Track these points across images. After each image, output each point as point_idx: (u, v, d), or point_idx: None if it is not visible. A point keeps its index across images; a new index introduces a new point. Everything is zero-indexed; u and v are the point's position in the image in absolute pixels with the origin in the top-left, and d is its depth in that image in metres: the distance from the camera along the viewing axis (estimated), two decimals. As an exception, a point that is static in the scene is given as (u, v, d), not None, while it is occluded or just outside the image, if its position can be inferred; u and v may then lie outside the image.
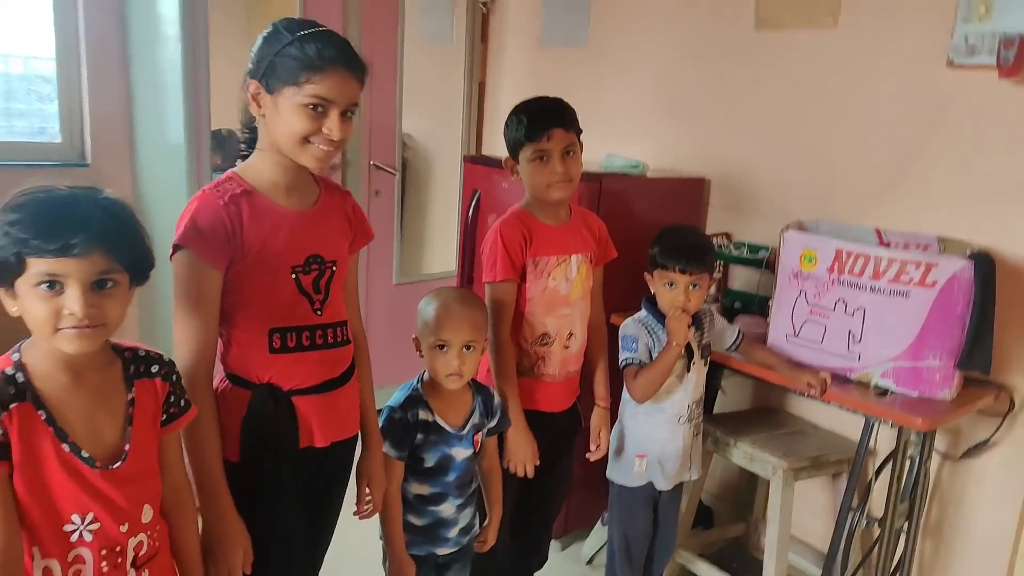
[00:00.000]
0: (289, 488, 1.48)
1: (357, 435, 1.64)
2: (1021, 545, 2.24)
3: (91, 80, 3.11)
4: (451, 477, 1.73)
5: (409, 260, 3.69)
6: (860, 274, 2.05)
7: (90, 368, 1.17)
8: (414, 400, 1.70)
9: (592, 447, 2.12)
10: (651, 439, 2.14)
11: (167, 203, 3.11)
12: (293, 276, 1.44)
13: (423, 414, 1.69)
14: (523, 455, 1.92)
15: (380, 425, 1.68)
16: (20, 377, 1.11)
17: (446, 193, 3.74)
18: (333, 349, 1.52)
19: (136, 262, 1.14)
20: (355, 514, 1.67)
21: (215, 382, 1.46)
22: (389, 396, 1.73)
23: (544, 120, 1.88)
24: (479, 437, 1.78)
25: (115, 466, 1.18)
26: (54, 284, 1.07)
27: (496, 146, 3.62)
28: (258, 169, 1.46)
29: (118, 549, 1.20)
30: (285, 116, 1.37)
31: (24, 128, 3.14)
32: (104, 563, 1.19)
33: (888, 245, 2.14)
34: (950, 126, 2.23)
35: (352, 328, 1.60)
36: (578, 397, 2.12)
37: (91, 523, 1.16)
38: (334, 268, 1.51)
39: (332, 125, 1.37)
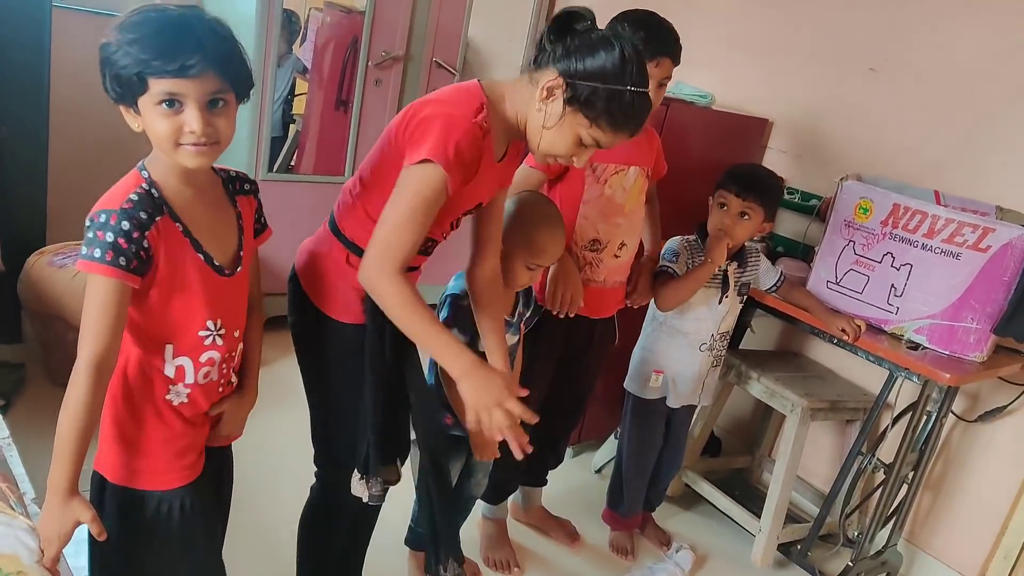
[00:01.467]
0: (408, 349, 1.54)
1: None
2: (1016, 511, 2.35)
3: (166, -63, 3.09)
4: None
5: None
6: (914, 231, 2.09)
7: (206, 183, 1.24)
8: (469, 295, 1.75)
9: (629, 289, 2.16)
10: (670, 358, 2.23)
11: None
12: (457, 218, 1.54)
13: None
14: (570, 288, 1.93)
15: (446, 313, 1.75)
16: (155, 192, 1.17)
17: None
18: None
19: (243, 81, 1.18)
20: None
21: (332, 248, 1.52)
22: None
23: (661, 45, 1.85)
24: (523, 326, 1.85)
25: (237, 271, 1.27)
26: (174, 103, 1.11)
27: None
28: (499, 116, 1.44)
29: (232, 354, 1.31)
30: (562, 128, 1.38)
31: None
32: (224, 366, 1.30)
33: (946, 207, 2.17)
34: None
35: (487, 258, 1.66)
36: (620, 310, 2.19)
37: (220, 328, 1.26)
38: (474, 210, 1.57)
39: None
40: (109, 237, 1.11)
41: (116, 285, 1.12)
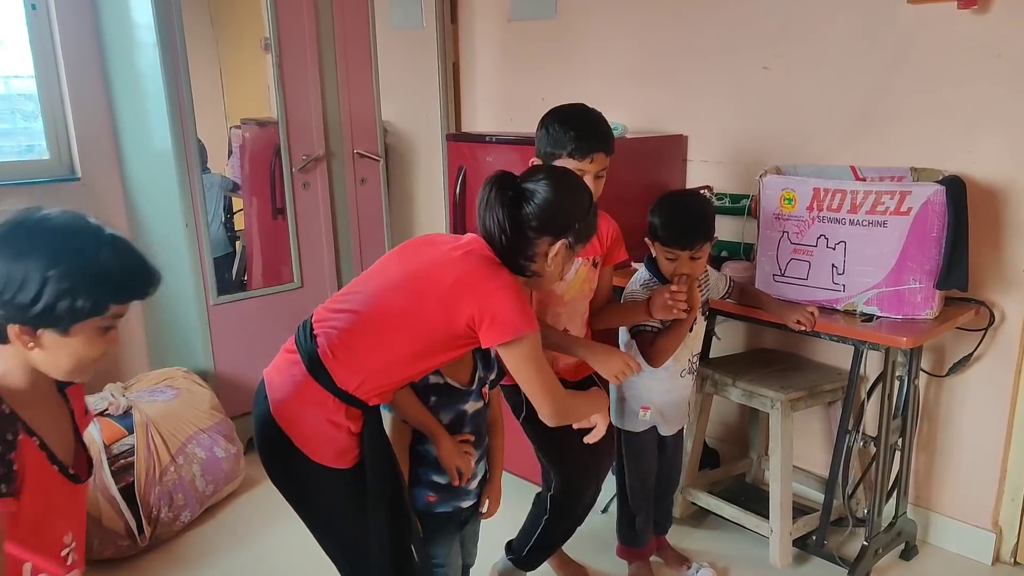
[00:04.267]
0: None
1: None
2: (1011, 451, 2.39)
3: (72, 94, 3.16)
4: (467, 430, 1.80)
5: (401, 242, 3.77)
6: (838, 209, 2.16)
7: (44, 382, 1.20)
8: None
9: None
10: (654, 392, 2.24)
11: (160, 209, 3.17)
12: None
13: (433, 378, 1.75)
14: (614, 367, 1.89)
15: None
16: (6, 408, 1.11)
17: (431, 174, 3.82)
18: None
19: None
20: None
21: (324, 401, 1.55)
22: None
23: (593, 142, 1.91)
24: (486, 389, 1.85)
25: (88, 478, 1.25)
26: (112, 327, 1.16)
27: (476, 123, 3.70)
28: None
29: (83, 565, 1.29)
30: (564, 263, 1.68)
31: (12, 147, 3.19)
32: None
33: (864, 180, 2.25)
34: (915, 61, 2.34)
35: None
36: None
37: (72, 541, 1.24)
38: None
39: None
40: None
41: None
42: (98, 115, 3.22)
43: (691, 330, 2.18)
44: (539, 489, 2.31)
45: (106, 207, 3.29)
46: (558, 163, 1.91)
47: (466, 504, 1.86)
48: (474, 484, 1.86)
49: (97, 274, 1.10)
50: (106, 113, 3.23)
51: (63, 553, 1.21)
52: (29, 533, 1.14)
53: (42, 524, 1.16)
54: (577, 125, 1.92)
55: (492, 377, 1.87)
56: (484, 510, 1.92)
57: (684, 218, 2.09)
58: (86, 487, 1.26)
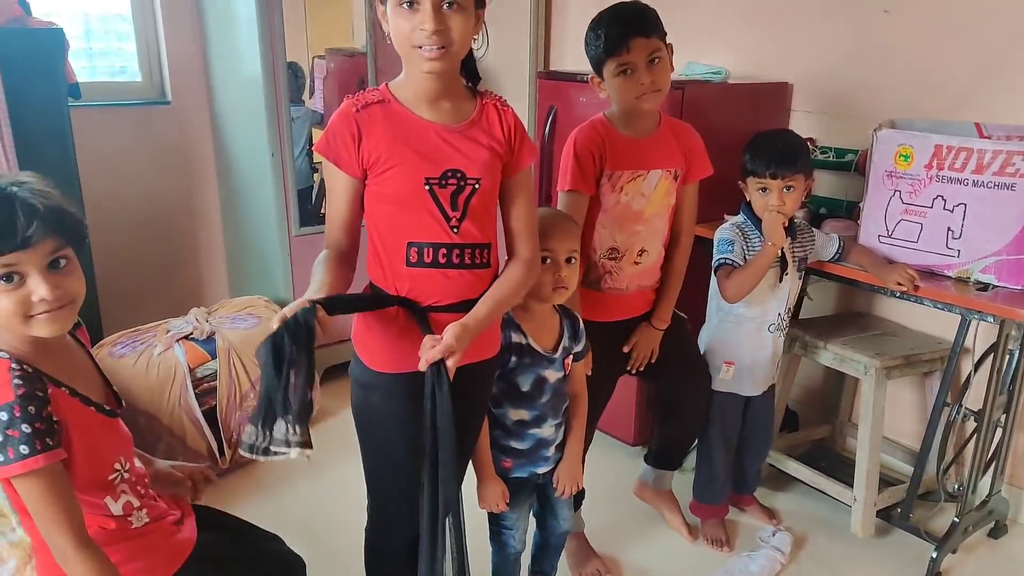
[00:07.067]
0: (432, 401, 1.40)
1: (493, 359, 1.61)
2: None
3: (166, 17, 3.16)
4: (545, 399, 1.75)
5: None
6: (962, 169, 2.01)
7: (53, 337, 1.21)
8: (507, 323, 1.69)
9: (625, 349, 2.08)
10: (742, 347, 2.18)
11: (247, 137, 3.18)
12: (427, 188, 1.40)
13: (516, 336, 1.69)
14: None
15: None
16: (28, 367, 1.14)
17: (517, 112, 3.72)
18: (471, 270, 1.46)
19: (77, 233, 1.18)
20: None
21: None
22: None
23: (622, 31, 1.81)
24: (568, 360, 1.78)
25: (120, 408, 1.32)
26: (12, 277, 1.10)
27: (565, 60, 3.58)
28: (402, 82, 1.46)
29: (146, 480, 1.38)
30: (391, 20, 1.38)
31: (106, 68, 3.22)
32: (142, 488, 1.36)
33: (989, 138, 2.09)
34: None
35: (517, 250, 1.54)
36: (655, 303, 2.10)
37: (124, 464, 1.31)
38: (476, 186, 1.43)
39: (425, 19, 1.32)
40: (25, 428, 1.09)
41: (56, 467, 1.12)
42: (190, 38, 3.22)
43: (780, 281, 2.11)
44: (625, 447, 2.30)
45: (194, 132, 3.32)
46: (605, 69, 1.86)
47: (542, 470, 1.83)
48: (551, 451, 1.82)
49: None
50: (198, 37, 3.23)
51: (110, 478, 1.27)
52: (83, 471, 1.21)
53: (92, 460, 1.23)
54: (603, 22, 1.84)
55: (577, 350, 1.81)
56: (558, 490, 1.86)
57: (773, 144, 2.07)
58: (120, 418, 1.33)
